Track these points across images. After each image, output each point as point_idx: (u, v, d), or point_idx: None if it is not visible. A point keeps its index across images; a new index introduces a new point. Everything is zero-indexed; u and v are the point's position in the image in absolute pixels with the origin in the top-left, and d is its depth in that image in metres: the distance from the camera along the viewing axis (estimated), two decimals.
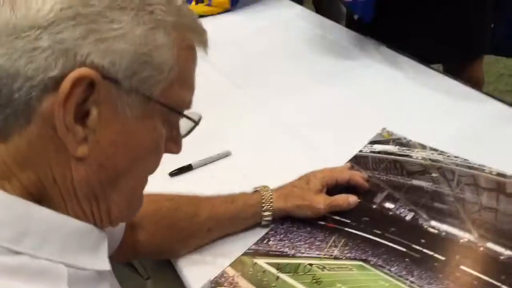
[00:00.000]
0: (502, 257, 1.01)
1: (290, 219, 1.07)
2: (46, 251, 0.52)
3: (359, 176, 1.11)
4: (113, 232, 0.86)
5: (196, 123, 0.66)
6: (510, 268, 0.98)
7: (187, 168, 1.22)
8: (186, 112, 0.62)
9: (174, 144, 0.65)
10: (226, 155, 1.26)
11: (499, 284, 0.95)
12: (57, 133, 0.50)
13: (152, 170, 0.63)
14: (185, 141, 1.14)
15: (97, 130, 0.52)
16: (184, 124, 0.67)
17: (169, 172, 1.21)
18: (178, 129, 0.65)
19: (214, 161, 1.24)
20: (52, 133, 0.51)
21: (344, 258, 1.01)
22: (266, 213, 1.01)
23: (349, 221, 1.08)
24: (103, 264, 0.60)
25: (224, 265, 0.97)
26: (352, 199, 1.05)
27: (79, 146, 0.51)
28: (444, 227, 1.07)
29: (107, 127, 0.53)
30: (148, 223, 0.95)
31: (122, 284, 0.76)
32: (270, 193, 1.02)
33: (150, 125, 0.58)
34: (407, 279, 0.98)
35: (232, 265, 0.97)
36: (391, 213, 1.10)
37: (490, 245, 1.04)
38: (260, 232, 1.05)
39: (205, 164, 1.23)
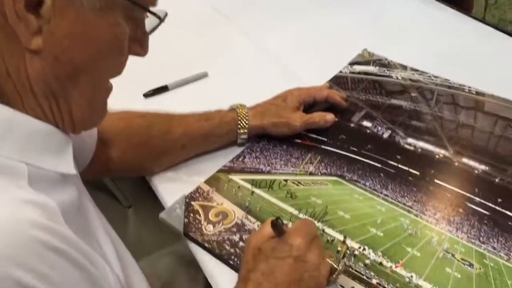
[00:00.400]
0: (476, 172, 1.04)
1: (266, 138, 1.06)
2: (5, 149, 0.50)
3: (337, 95, 1.09)
4: (84, 147, 0.84)
5: (162, 19, 0.62)
6: (483, 182, 1.01)
7: (163, 89, 1.19)
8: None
9: (139, 45, 0.61)
10: (203, 76, 1.23)
11: (473, 196, 0.98)
12: (8, 22, 0.47)
13: (115, 71, 0.60)
14: (160, 62, 1.11)
15: (51, 20, 0.49)
16: (149, 23, 0.63)
17: (143, 93, 1.18)
18: (143, 29, 0.61)
19: (190, 82, 1.21)
20: (2, 21, 0.47)
21: (319, 174, 1.01)
22: (241, 131, 0.99)
23: (325, 139, 1.08)
24: (68, 167, 0.59)
25: (199, 182, 0.96)
26: (330, 116, 1.04)
27: (33, 38, 0.48)
28: (420, 144, 1.08)
29: (62, 18, 0.50)
30: (120, 140, 0.93)
31: (104, 212, 0.76)
32: (246, 111, 1.00)
33: (111, 18, 0.54)
34: (381, 193, 1.00)
35: (207, 181, 0.96)
36: (368, 131, 1.10)
37: (466, 160, 1.05)
38: (235, 151, 1.04)
39: (181, 85, 1.20)
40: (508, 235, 0.98)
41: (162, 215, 0.90)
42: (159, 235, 0.90)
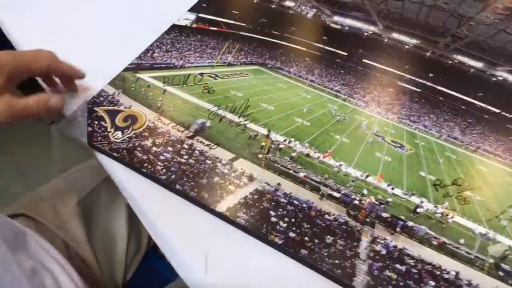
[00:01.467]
0: (407, 47, 0.99)
1: (177, 28, 0.97)
2: None
3: (64, 63, 0.79)
4: None
5: None
6: (414, 57, 0.97)
7: None
8: None
9: None
10: None
11: (403, 73, 0.94)
12: None
13: None
14: None
15: None
16: None
17: None
18: None
19: None
20: None
21: (238, 63, 0.94)
22: None
23: (244, 24, 0.99)
24: None
25: (102, 85, 0.86)
26: (55, 99, 0.75)
27: None
28: (348, 22, 1.01)
29: None
30: None
31: (27, 129, 0.66)
32: None
33: None
34: (306, 79, 0.95)
35: (111, 83, 0.86)
36: (291, 11, 1.02)
37: (396, 35, 1.00)
38: (142, 47, 0.94)
39: None
40: (439, 111, 0.96)
41: (62, 125, 0.79)
42: (84, 150, 0.80)
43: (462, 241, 0.79)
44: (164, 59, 0.94)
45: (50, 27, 0.96)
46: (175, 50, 0.96)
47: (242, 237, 0.73)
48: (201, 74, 0.91)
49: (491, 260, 0.76)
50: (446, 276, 0.71)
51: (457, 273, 0.73)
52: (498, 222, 0.82)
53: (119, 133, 0.81)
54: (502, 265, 0.75)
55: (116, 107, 0.84)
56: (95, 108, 0.83)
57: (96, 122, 0.82)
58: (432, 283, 0.71)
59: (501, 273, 0.73)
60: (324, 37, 0.99)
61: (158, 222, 0.73)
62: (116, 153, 0.77)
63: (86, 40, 0.95)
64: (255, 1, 0.99)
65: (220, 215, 0.74)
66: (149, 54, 0.92)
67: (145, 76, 0.90)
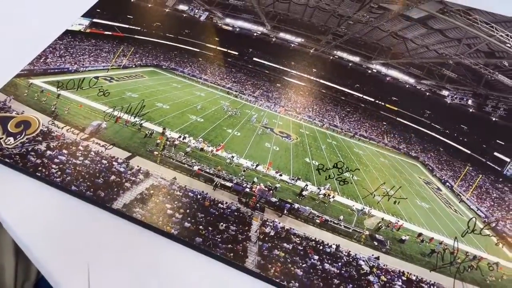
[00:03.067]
0: (292, 45, 2.60)
1: (69, 33, 1.81)
2: None
3: None
4: None
5: None
6: (299, 54, 2.83)
7: None
8: None
9: None
10: None
11: (289, 69, 2.60)
12: None
13: None
14: None
15: None
16: None
17: None
18: None
19: None
20: None
21: (134, 66, 2.85)
22: None
23: (139, 28, 2.70)
24: None
25: None
26: None
27: None
28: (239, 23, 3.21)
29: None
30: None
31: None
32: None
33: None
34: (200, 78, 3.11)
35: (1, 89, 1.77)
36: (184, 15, 2.94)
37: (282, 34, 3.00)
38: (34, 52, 1.84)
39: None
40: (321, 102, 3.04)
41: None
42: None
43: (341, 217, 1.93)
44: (58, 64, 2.33)
45: None
46: (68, 55, 2.37)
47: (138, 232, 1.39)
48: (96, 77, 2.26)
49: (367, 232, 1.82)
50: (328, 249, 1.59)
51: (338, 246, 1.68)
52: (373, 198, 1.95)
53: (11, 139, 1.65)
54: (376, 235, 1.87)
55: (7, 114, 1.74)
56: None
57: None
58: (316, 257, 1.55)
59: (375, 243, 1.82)
60: (216, 38, 2.69)
61: (40, 252, 1.30)
62: (9, 159, 1.53)
63: None
64: (149, 5, 2.55)
65: (117, 212, 1.43)
66: (41, 60, 2.03)
67: (38, 81, 2.24)
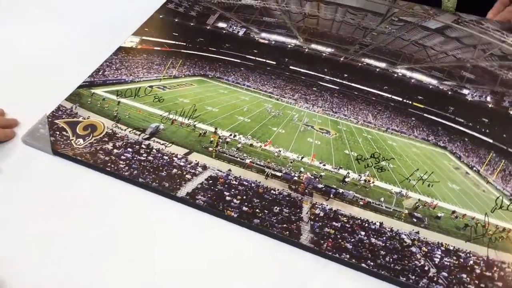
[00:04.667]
0: (324, 54, 1.10)
1: (123, 49, 1.06)
2: None
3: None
4: None
5: None
6: (330, 62, 1.11)
7: None
8: None
9: None
10: None
11: (323, 75, 1.09)
12: None
13: None
14: None
15: None
16: None
17: None
18: None
19: None
20: None
21: (183, 76, 1.05)
22: None
23: (184, 43, 1.13)
24: None
25: (59, 101, 0.96)
26: (9, 132, 0.90)
27: None
28: (274, 37, 1.15)
29: None
30: None
31: None
32: None
33: None
34: (243, 85, 1.07)
35: (67, 98, 0.94)
36: (224, 31, 1.17)
37: (314, 46, 1.12)
38: (92, 66, 1.03)
39: None
40: (355, 102, 1.08)
41: (25, 137, 0.87)
42: None
43: (382, 199, 0.86)
44: (115, 76, 1.01)
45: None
46: (124, 68, 1.03)
47: (201, 216, 0.78)
48: (151, 86, 1.00)
49: (406, 211, 0.83)
50: (372, 226, 0.78)
51: (381, 223, 0.79)
52: (408, 182, 0.89)
53: (80, 140, 0.87)
54: (415, 213, 0.83)
55: (75, 119, 0.90)
56: (55, 121, 0.89)
57: (58, 133, 0.88)
58: (363, 233, 0.77)
59: (414, 220, 0.82)
60: (255, 50, 1.12)
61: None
62: (80, 157, 0.83)
63: (42, 59, 1.09)
64: (191, 24, 1.15)
65: (181, 200, 0.79)
66: (100, 73, 1.01)
67: (100, 91, 0.97)
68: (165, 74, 1.03)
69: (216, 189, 0.84)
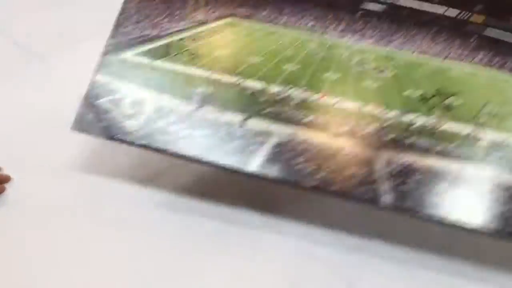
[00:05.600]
0: None
1: None
2: None
3: None
4: None
5: None
6: None
7: None
8: None
9: None
10: None
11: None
12: None
13: None
14: None
15: None
16: None
17: None
18: None
19: None
20: None
21: (210, 20, 0.90)
22: None
23: None
24: None
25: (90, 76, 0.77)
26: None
27: None
28: None
29: None
30: None
31: None
32: None
33: None
34: (280, 20, 0.95)
35: (100, 71, 0.78)
36: None
37: None
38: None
39: None
40: (406, 26, 0.92)
41: (74, 127, 0.75)
42: None
43: (457, 142, 0.70)
44: (138, 32, 0.87)
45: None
46: (144, 18, 0.90)
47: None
48: (181, 39, 0.87)
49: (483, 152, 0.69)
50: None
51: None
52: (479, 120, 0.70)
53: (132, 121, 0.76)
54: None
55: (116, 96, 0.78)
56: (96, 102, 0.76)
57: (105, 115, 0.75)
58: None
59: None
60: None
61: None
62: (139, 140, 0.73)
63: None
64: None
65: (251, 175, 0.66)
66: (120, 30, 0.85)
67: (129, 55, 0.84)
68: (191, 21, 0.89)
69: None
